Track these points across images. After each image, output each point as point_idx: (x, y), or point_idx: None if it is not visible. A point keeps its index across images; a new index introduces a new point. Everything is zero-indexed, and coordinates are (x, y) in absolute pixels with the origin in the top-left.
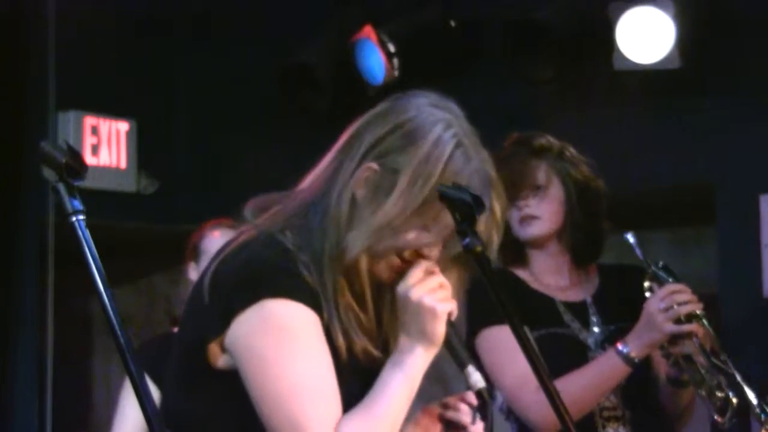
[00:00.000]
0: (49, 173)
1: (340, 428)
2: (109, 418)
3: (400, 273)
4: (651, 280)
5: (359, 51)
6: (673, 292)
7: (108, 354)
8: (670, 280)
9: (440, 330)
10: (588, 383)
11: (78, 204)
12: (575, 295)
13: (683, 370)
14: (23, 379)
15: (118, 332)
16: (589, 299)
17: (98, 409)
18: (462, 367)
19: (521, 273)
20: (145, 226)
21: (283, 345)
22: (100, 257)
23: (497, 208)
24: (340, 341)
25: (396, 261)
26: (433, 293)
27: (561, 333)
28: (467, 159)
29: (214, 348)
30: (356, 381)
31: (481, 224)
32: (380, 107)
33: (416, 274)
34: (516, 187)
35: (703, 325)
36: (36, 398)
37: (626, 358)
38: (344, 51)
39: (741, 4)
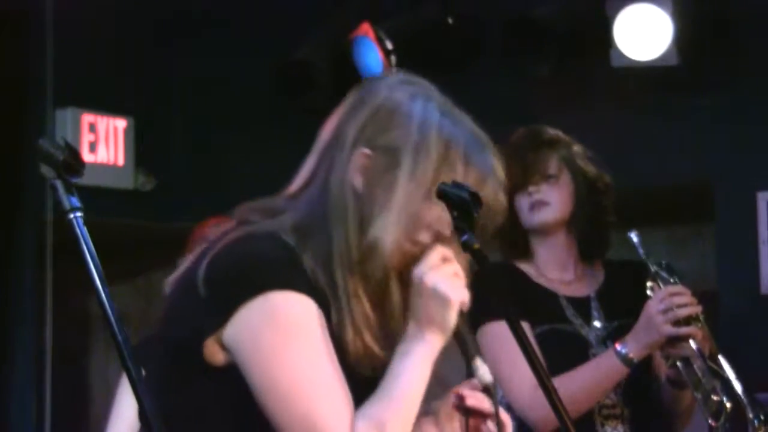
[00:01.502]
0: (46, 170)
1: (356, 423)
2: (107, 416)
3: (411, 258)
4: (653, 280)
5: (357, 48)
6: (673, 294)
7: (106, 352)
8: (672, 280)
9: (451, 318)
10: (586, 382)
11: (76, 201)
12: (579, 290)
13: (681, 372)
14: (22, 377)
15: (116, 330)
16: (592, 294)
17: (97, 406)
18: (470, 360)
19: (525, 267)
20: (142, 224)
21: (291, 339)
22: (97, 255)
23: (498, 168)
24: (350, 338)
25: (408, 246)
26: (449, 280)
27: (563, 329)
28: (455, 124)
29: (211, 343)
30: (356, 382)
31: (488, 187)
32: (353, 97)
33: (433, 258)
34: (527, 175)
35: (701, 328)
36: (35, 396)
37: (624, 359)
38: (342, 48)
39: (738, 1)
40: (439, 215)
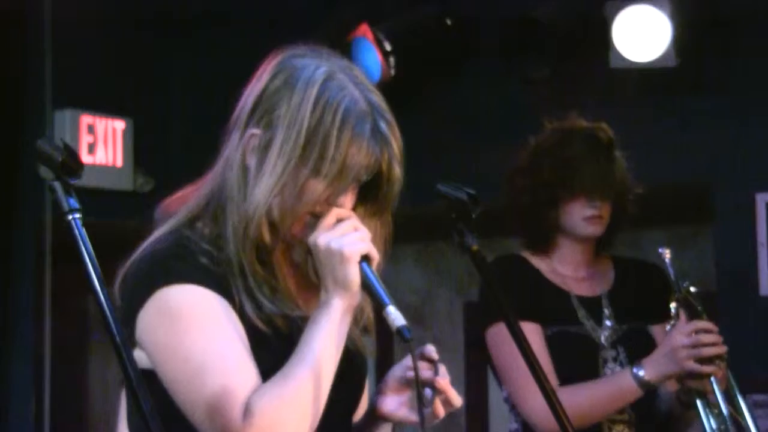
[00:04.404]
0: (45, 172)
1: (256, 396)
2: (105, 416)
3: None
4: (677, 302)
5: (355, 49)
6: (700, 331)
7: (105, 352)
8: (699, 308)
9: (351, 273)
10: (598, 398)
11: (74, 202)
12: (591, 289)
13: (690, 395)
14: (20, 378)
15: (114, 331)
16: (603, 293)
17: (95, 406)
18: (381, 309)
19: (537, 261)
20: (141, 225)
21: (182, 328)
22: (96, 256)
23: (392, 139)
24: (251, 311)
25: (308, 219)
26: (342, 237)
27: (574, 331)
28: (341, 88)
29: (137, 350)
30: (287, 350)
31: (383, 163)
32: (257, 73)
33: (326, 221)
34: (600, 189)
35: (722, 367)
36: (33, 396)
37: (641, 382)
38: (340, 49)
39: (736, 2)
40: (323, 189)
